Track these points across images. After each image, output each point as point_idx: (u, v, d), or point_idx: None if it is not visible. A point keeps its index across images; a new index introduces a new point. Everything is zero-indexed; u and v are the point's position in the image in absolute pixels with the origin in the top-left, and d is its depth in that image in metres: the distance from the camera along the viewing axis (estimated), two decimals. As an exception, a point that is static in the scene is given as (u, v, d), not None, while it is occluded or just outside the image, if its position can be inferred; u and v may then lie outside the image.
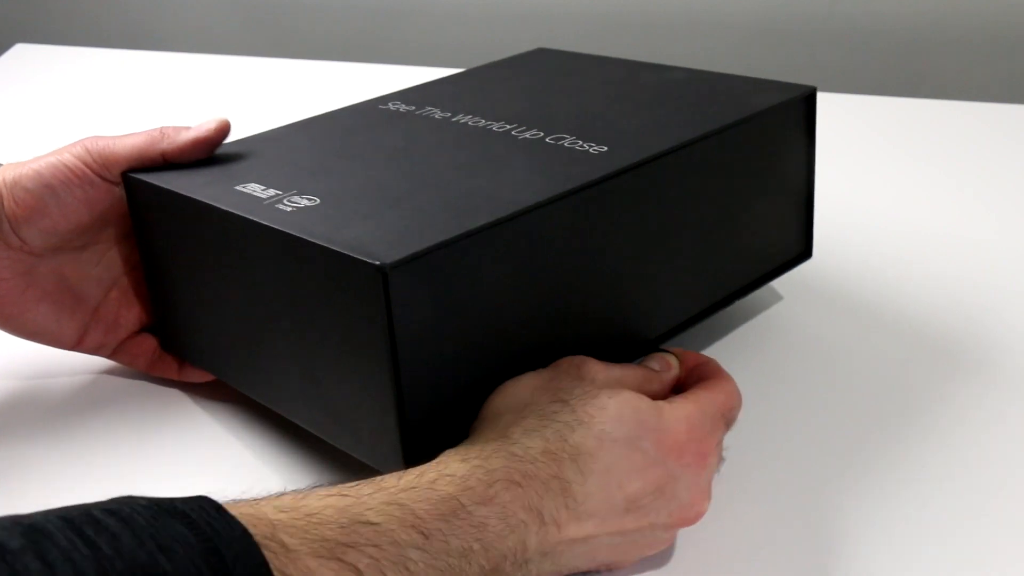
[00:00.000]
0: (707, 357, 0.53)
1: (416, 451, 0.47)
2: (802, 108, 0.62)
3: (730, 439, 0.54)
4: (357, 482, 0.42)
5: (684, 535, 0.50)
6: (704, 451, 0.47)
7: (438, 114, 0.63)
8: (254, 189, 0.52)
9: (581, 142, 0.56)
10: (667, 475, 0.45)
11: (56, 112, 0.98)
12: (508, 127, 0.59)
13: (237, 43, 1.32)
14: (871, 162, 0.86)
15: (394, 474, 0.43)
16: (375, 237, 0.46)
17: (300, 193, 0.51)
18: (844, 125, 0.93)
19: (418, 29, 1.26)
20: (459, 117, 0.61)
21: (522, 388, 0.47)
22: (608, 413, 0.45)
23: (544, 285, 0.50)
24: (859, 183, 0.83)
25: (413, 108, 0.64)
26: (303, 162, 0.56)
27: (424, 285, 0.45)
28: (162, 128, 0.57)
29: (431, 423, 0.47)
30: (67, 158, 0.56)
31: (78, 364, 0.63)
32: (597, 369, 0.48)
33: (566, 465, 0.43)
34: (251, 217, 0.49)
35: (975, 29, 1.14)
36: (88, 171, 0.56)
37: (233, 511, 0.37)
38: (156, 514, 0.35)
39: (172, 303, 0.59)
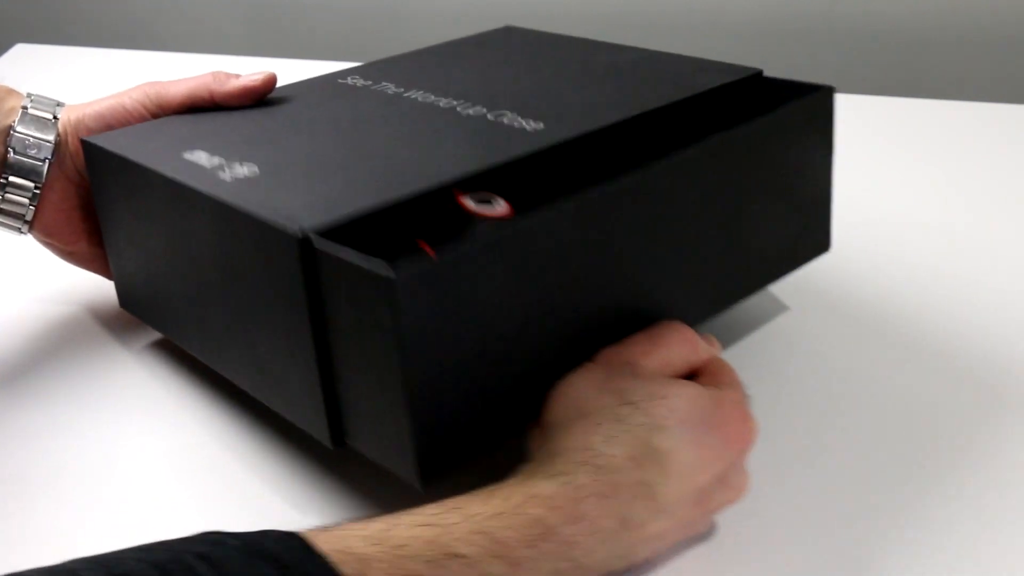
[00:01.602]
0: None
1: (336, 414, 0.48)
2: (743, 88, 0.62)
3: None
4: (443, 505, 0.42)
5: (688, 556, 0.50)
6: (750, 435, 0.48)
7: (391, 89, 0.64)
8: (200, 157, 0.54)
9: (520, 119, 0.56)
10: (728, 464, 0.47)
11: (56, 112, 0.98)
12: (454, 103, 0.60)
13: (237, 43, 1.32)
14: (871, 162, 0.86)
15: (479, 497, 0.42)
16: (300, 206, 0.47)
17: (242, 162, 0.53)
18: (844, 125, 0.92)
19: (418, 29, 1.26)
20: (410, 93, 0.63)
21: (581, 390, 0.48)
22: (679, 415, 0.46)
23: None
24: (858, 183, 0.83)
25: (369, 83, 0.66)
26: (250, 132, 0.58)
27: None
28: (214, 73, 0.62)
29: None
30: (127, 101, 0.61)
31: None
32: (646, 362, 0.49)
33: (648, 468, 0.44)
34: (191, 184, 0.51)
35: (975, 29, 1.14)
36: (146, 113, 0.61)
37: (322, 545, 0.37)
38: (247, 558, 0.35)
39: (127, 264, 0.60)
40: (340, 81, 0.67)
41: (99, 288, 0.67)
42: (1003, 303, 0.68)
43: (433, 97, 0.61)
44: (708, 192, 0.56)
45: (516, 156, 0.51)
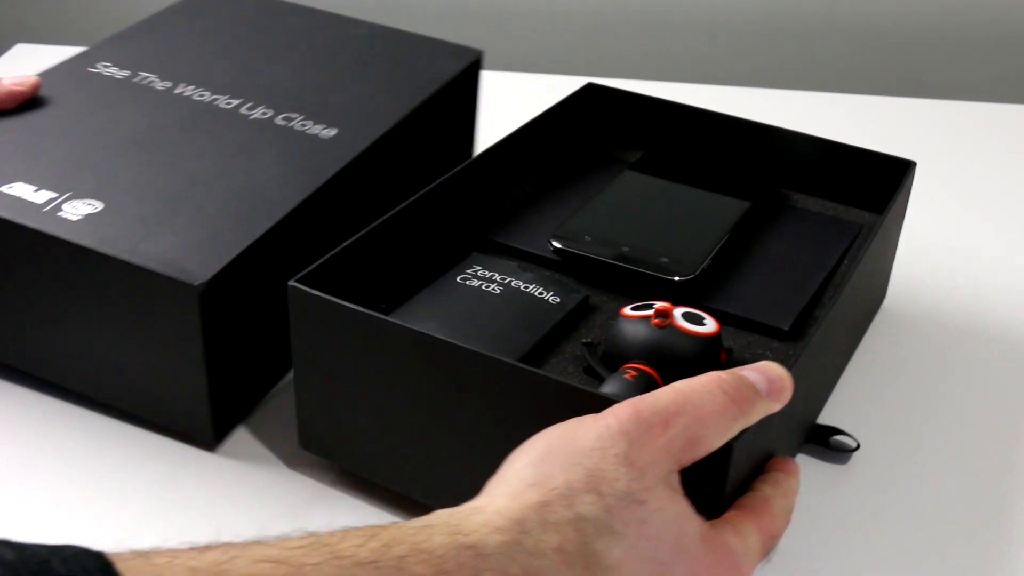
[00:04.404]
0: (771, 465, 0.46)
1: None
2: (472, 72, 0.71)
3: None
4: (305, 538, 0.35)
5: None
6: None
7: (158, 84, 0.64)
8: (23, 191, 0.52)
9: (312, 123, 0.61)
10: None
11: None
12: (234, 103, 0.62)
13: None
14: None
15: (360, 535, 0.35)
16: (180, 251, 0.49)
17: (77, 197, 0.52)
18: (844, 125, 0.93)
19: (417, 30, 1.26)
20: (180, 88, 0.64)
21: (559, 446, 0.39)
22: (647, 530, 0.38)
23: None
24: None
25: (128, 74, 0.65)
26: (58, 153, 0.56)
27: (229, 292, 0.50)
28: None
29: (232, 409, 0.54)
30: None
31: None
32: (652, 460, 0.39)
33: (577, 570, 0.36)
34: (39, 228, 0.50)
35: (975, 29, 1.14)
36: None
37: (129, 574, 0.30)
38: None
39: None
40: (92, 71, 0.65)
41: None
42: (1003, 303, 0.68)
43: (208, 94, 0.63)
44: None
45: (336, 171, 0.56)
